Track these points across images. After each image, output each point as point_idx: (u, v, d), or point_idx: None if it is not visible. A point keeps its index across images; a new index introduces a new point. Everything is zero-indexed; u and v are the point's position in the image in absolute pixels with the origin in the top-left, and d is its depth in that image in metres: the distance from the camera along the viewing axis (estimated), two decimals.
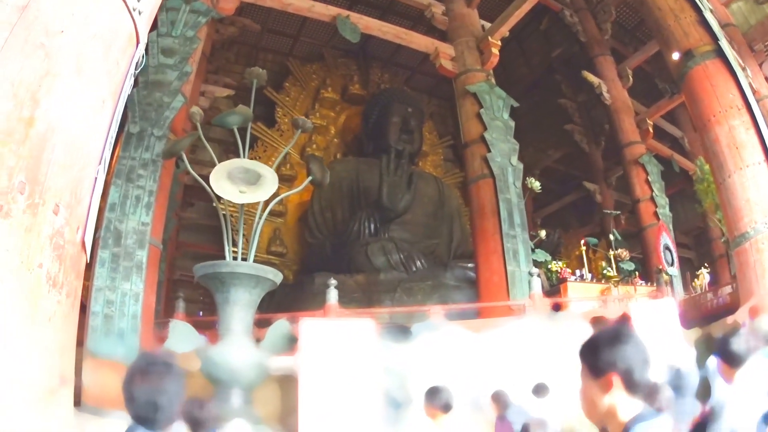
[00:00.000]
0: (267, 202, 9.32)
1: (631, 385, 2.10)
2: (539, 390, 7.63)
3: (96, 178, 3.71)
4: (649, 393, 6.26)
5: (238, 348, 8.73)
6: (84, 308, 10.09)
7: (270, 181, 9.05)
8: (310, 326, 8.78)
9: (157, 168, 10.76)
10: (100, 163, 3.75)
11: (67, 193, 3.36)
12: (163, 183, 11.15)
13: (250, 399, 8.96)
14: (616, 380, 2.08)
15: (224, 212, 9.16)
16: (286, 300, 12.63)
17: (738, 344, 7.35)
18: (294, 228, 18.07)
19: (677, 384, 8.45)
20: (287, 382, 8.98)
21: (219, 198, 8.91)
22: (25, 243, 3.05)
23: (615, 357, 2.10)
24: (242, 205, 9.29)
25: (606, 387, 2.09)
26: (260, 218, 9.21)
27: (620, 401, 2.09)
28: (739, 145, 10.32)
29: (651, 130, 19.06)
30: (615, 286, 13.66)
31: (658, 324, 9.92)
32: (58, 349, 3.36)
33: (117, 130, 4.18)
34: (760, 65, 12.91)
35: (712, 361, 8.66)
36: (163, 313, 12.69)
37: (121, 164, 10.53)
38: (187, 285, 14.72)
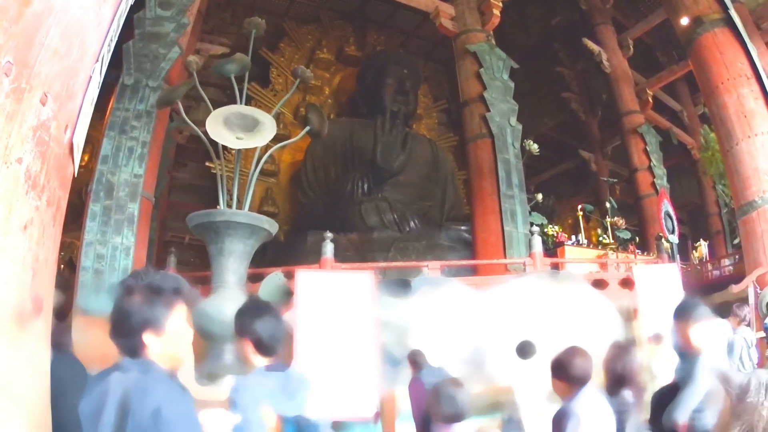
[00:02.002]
0: (263, 153, 9.17)
1: None
2: (524, 350, 7.17)
3: (91, 77, 3.41)
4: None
5: (232, 300, 8.55)
6: (74, 266, 9.97)
7: (268, 127, 8.87)
8: (306, 278, 8.57)
9: (151, 119, 10.62)
10: (97, 61, 3.45)
11: (57, 84, 2.99)
12: (157, 134, 11.01)
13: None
14: None
15: (219, 169, 8.99)
16: (278, 259, 12.41)
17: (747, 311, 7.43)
18: (286, 188, 17.92)
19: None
20: None
21: (217, 153, 8.84)
22: (4, 131, 2.64)
23: None
24: (238, 158, 9.15)
25: None
26: (256, 166, 9.02)
27: None
28: (748, 113, 10.29)
29: (651, 100, 19.07)
30: (613, 252, 13.57)
31: (661, 289, 9.91)
32: (31, 264, 2.80)
33: (115, 43, 3.89)
34: (767, 44, 12.77)
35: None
36: None
37: (115, 116, 10.40)
38: (178, 246, 14.55)
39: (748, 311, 8.08)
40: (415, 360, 6.92)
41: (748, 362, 7.56)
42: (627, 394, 4.02)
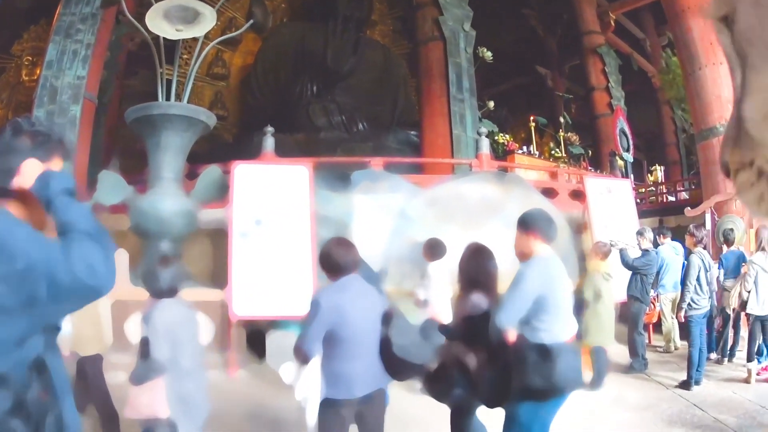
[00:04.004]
0: (205, 44, 9.06)
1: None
2: (432, 248, 6.99)
3: None
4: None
5: (168, 195, 8.44)
6: None
7: (208, 18, 8.67)
8: (243, 171, 8.37)
9: (96, 21, 10.51)
10: None
11: None
12: (102, 36, 10.86)
13: (180, 253, 8.63)
14: None
15: (163, 71, 8.81)
16: (223, 160, 12.26)
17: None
18: (236, 91, 17.67)
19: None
20: (218, 237, 8.64)
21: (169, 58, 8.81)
22: None
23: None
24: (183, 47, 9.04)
25: None
26: (197, 57, 8.86)
27: None
28: (714, 41, 10.21)
29: (613, 24, 18.91)
30: (564, 165, 13.54)
31: (613, 203, 9.92)
32: None
33: None
34: None
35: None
36: None
37: (61, 21, 10.37)
38: (128, 154, 14.21)
39: (705, 234, 8.03)
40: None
41: (705, 285, 7.57)
42: (479, 296, 4.03)
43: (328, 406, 3.56)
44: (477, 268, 4.17)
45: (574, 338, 3.94)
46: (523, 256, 3.85)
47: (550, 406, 3.65)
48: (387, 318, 3.77)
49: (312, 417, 3.60)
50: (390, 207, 8.50)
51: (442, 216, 8.29)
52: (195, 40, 9.42)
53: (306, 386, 3.61)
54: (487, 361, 3.75)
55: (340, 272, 3.67)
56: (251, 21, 9.25)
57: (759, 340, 7.68)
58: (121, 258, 7.67)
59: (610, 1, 19.26)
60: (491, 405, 3.87)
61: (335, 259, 3.65)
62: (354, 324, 3.56)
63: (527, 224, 3.83)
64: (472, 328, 3.82)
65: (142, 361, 3.73)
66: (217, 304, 7.83)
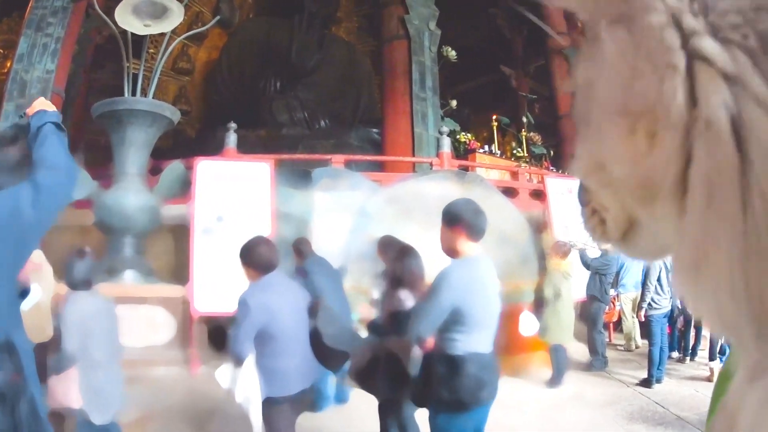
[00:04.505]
0: (172, 39, 9.16)
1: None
2: (386, 245, 7.08)
3: None
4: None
5: (132, 191, 8.47)
6: None
7: (176, 14, 8.76)
8: (205, 167, 8.42)
9: (66, 15, 10.55)
10: None
11: None
12: (71, 29, 10.87)
13: (142, 249, 8.65)
14: None
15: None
16: (186, 156, 12.27)
17: None
18: (200, 86, 17.59)
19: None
20: (180, 233, 8.65)
21: (136, 53, 8.76)
22: None
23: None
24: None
25: None
26: (164, 52, 8.87)
27: None
28: None
29: (580, 25, 18.78)
30: (526, 165, 13.61)
31: (575, 201, 10.00)
32: None
33: None
34: None
35: None
36: None
37: (33, 14, 10.43)
38: (94, 149, 14.12)
39: None
40: (300, 249, 6.78)
41: (667, 285, 7.80)
42: (404, 295, 4.09)
43: (271, 404, 3.62)
44: (403, 267, 4.24)
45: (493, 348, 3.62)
46: (450, 252, 3.56)
47: (465, 417, 3.46)
48: (313, 310, 3.93)
49: (257, 418, 3.63)
50: (350, 205, 8.58)
51: (401, 214, 8.30)
52: (162, 34, 9.44)
53: (245, 387, 3.63)
54: (411, 359, 3.73)
55: (264, 271, 3.79)
56: (218, 17, 9.28)
57: (722, 340, 7.77)
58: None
59: None
60: (417, 404, 3.82)
61: (258, 259, 3.79)
62: (283, 320, 3.67)
63: (451, 218, 3.51)
64: (398, 325, 3.79)
65: (58, 352, 3.78)
66: (178, 301, 7.87)
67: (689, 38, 0.57)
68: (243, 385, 3.62)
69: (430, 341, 3.56)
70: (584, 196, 0.81)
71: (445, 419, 3.44)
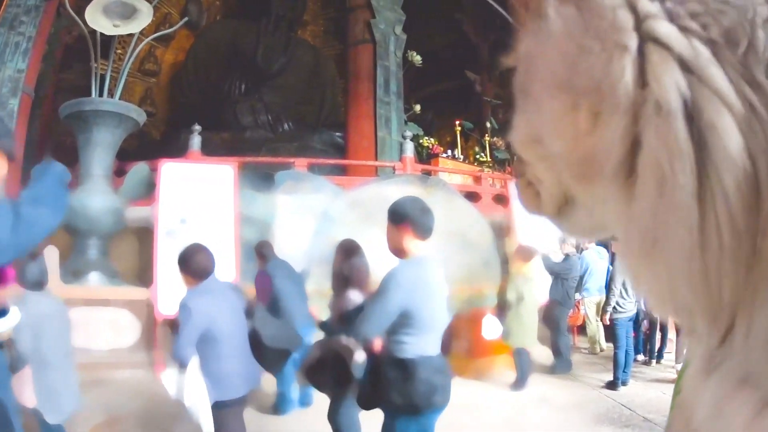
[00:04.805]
0: (140, 40, 9.29)
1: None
2: (346, 249, 7.11)
3: None
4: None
5: (97, 193, 8.48)
6: None
7: (145, 14, 8.83)
8: (169, 169, 8.46)
9: (39, 13, 10.53)
10: None
11: None
12: (43, 28, 10.85)
13: (107, 251, 8.66)
14: None
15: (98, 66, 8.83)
16: (151, 158, 12.28)
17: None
18: (166, 88, 17.45)
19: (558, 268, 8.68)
20: (145, 235, 8.67)
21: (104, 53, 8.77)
22: None
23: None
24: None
25: None
26: (131, 53, 8.89)
27: None
28: None
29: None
30: (489, 170, 13.65)
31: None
32: None
33: None
34: None
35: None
36: None
37: (7, 12, 10.37)
38: (62, 150, 14.04)
39: None
40: (262, 252, 6.82)
41: (632, 290, 7.63)
42: (352, 293, 4.15)
43: (220, 408, 3.67)
44: (351, 267, 4.31)
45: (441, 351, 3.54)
46: (397, 252, 3.46)
47: (422, 421, 3.37)
48: (249, 312, 3.99)
49: (207, 422, 3.65)
50: (313, 208, 8.64)
51: (364, 218, 8.36)
52: (130, 35, 9.45)
53: (191, 392, 3.63)
54: (355, 360, 3.49)
55: (201, 277, 3.86)
56: (186, 18, 9.32)
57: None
58: (51, 255, 7.65)
59: None
60: (362, 406, 3.70)
61: (196, 266, 3.85)
62: (224, 323, 3.73)
63: (397, 216, 3.39)
64: (346, 325, 3.67)
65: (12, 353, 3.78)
66: (143, 303, 7.89)
67: (643, 21, 0.57)
68: (189, 389, 3.62)
69: (378, 343, 3.47)
70: (520, 167, 0.82)
71: (403, 424, 3.36)
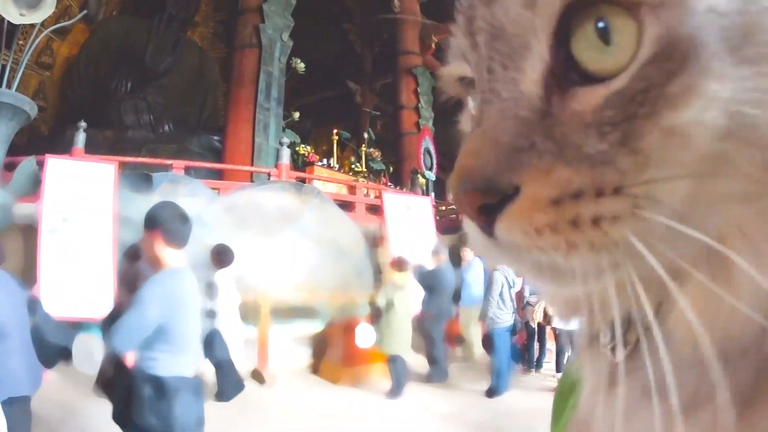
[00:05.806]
0: (40, 31, 9.30)
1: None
2: (220, 254, 7.32)
3: None
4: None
5: None
6: None
7: (49, 4, 8.91)
8: (55, 165, 8.41)
9: None
10: None
11: None
12: None
13: None
14: None
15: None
16: (39, 153, 12.14)
17: None
18: (58, 82, 17.11)
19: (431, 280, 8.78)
20: (30, 233, 8.59)
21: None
22: None
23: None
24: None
25: None
26: (31, 44, 8.87)
27: None
28: None
29: (433, 47, 19.07)
30: (362, 179, 14.13)
31: (412, 219, 10.50)
32: None
33: None
34: None
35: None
36: None
37: None
38: None
39: None
40: (134, 254, 7.00)
41: (509, 301, 7.93)
42: (125, 295, 3.92)
43: (11, 404, 3.40)
44: (128, 270, 4.36)
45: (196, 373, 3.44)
46: (151, 261, 3.29)
47: None
48: (32, 307, 3.81)
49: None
50: (188, 211, 8.83)
51: (238, 223, 8.70)
52: (32, 26, 9.48)
53: None
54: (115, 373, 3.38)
55: None
56: (85, 11, 9.32)
57: (568, 352, 7.86)
58: None
59: (439, 23, 19.71)
60: (118, 423, 3.37)
61: None
62: (8, 317, 3.50)
63: (149, 221, 3.26)
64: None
65: None
66: None
67: None
68: None
69: (129, 359, 3.22)
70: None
71: None
